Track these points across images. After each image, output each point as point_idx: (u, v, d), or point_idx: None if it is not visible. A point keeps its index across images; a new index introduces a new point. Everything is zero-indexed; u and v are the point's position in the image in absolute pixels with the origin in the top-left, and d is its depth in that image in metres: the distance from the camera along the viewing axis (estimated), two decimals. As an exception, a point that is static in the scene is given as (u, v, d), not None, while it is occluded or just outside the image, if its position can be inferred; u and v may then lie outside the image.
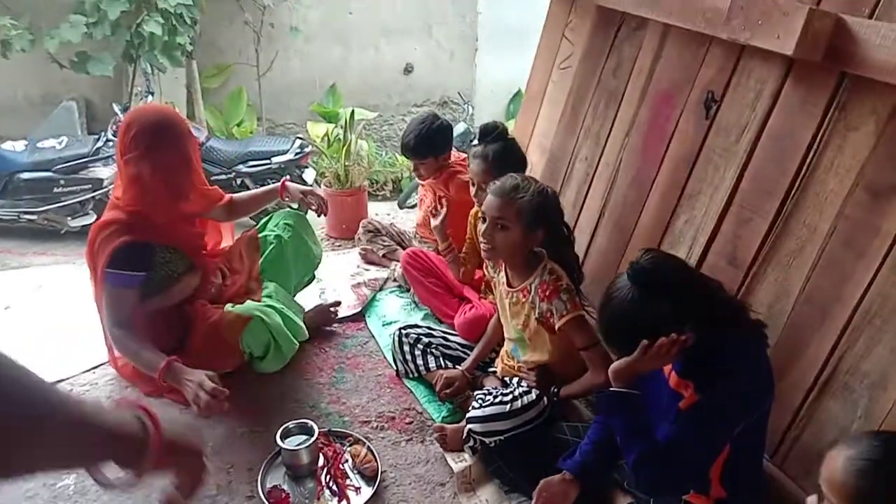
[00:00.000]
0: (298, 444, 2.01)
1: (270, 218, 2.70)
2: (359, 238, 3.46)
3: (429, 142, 2.86)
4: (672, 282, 1.53)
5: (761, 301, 2.05)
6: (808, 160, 1.93)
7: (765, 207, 2.04)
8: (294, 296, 2.68)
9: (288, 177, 2.67)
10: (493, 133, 2.54)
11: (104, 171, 5.18)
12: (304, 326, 2.51)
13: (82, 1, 4.92)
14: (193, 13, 5.38)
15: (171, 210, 2.23)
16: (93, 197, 5.18)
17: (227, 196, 2.51)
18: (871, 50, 1.70)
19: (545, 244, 2.10)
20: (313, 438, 2.02)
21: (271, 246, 2.59)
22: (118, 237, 2.13)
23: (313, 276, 2.85)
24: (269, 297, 2.48)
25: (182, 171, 2.22)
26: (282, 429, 2.05)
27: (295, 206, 2.93)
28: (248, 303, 2.39)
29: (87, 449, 0.81)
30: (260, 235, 2.63)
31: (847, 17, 1.75)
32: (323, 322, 2.79)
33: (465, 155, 2.87)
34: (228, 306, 2.35)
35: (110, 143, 5.21)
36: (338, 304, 2.87)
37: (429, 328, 2.55)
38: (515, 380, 2.18)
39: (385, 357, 2.63)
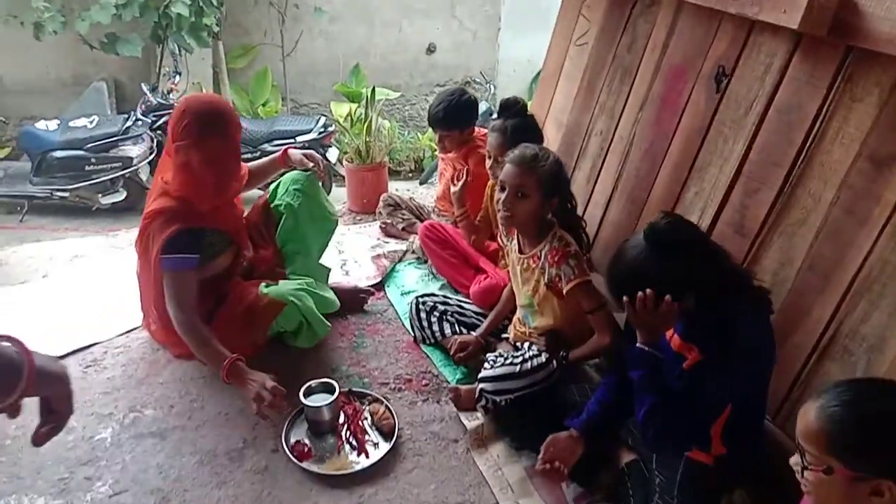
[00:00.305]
0: (320, 402, 2.13)
1: (279, 184, 2.65)
2: (379, 212, 3.57)
3: (456, 114, 2.95)
4: (684, 245, 1.60)
5: (767, 269, 2.11)
6: (813, 131, 1.98)
7: (771, 178, 2.09)
8: (319, 258, 2.69)
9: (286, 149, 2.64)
10: (513, 108, 2.62)
11: (134, 150, 5.35)
12: (334, 299, 2.58)
13: (112, -17, 5.02)
14: (220, -6, 5.49)
15: (216, 198, 2.29)
16: (122, 175, 5.35)
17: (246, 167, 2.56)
18: (875, 23, 1.74)
19: (557, 212, 2.18)
20: (334, 396, 2.13)
21: (283, 216, 2.57)
22: (170, 225, 2.19)
23: (334, 230, 2.79)
24: (295, 273, 2.55)
25: (230, 161, 2.28)
26: (304, 387, 2.17)
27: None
28: (282, 284, 2.42)
29: None
30: (272, 206, 2.62)
31: (852, -9, 1.79)
32: (352, 305, 2.82)
33: (486, 131, 2.95)
34: (262, 287, 2.40)
35: (139, 123, 5.36)
36: (371, 293, 2.92)
37: (445, 297, 2.65)
38: (527, 344, 2.27)
39: (403, 324, 2.73)
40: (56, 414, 1.10)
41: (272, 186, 2.68)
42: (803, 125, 2.00)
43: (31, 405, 1.05)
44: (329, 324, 2.50)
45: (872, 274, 1.81)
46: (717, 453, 1.74)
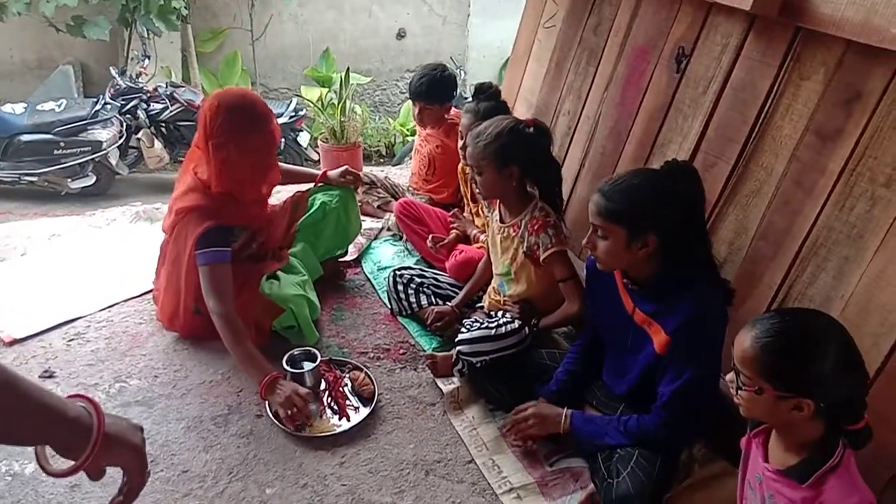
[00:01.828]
0: (303, 370, 2.22)
1: (322, 186, 2.82)
2: (355, 191, 3.64)
3: (437, 87, 3.07)
4: (690, 198, 1.75)
5: (723, 238, 2.25)
6: (765, 108, 2.12)
7: (727, 153, 2.23)
8: (321, 260, 2.81)
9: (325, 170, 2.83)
10: (486, 91, 2.75)
11: (103, 134, 5.31)
12: (318, 304, 2.63)
13: (80, -36, 4.98)
14: (189, -24, 5.46)
15: (256, 190, 2.37)
16: (92, 159, 5.32)
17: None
18: (820, 5, 1.87)
19: (535, 182, 2.29)
20: (316, 363, 2.23)
21: (314, 209, 2.73)
22: (203, 222, 2.23)
23: (345, 251, 2.99)
24: (294, 256, 2.66)
25: (268, 153, 2.33)
26: (287, 355, 2.25)
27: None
28: (283, 285, 2.49)
29: (39, 425, 0.88)
30: (308, 197, 2.79)
31: (800, -25, 1.92)
32: (332, 276, 2.93)
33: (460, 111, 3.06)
34: (264, 283, 2.46)
35: (108, 107, 5.34)
36: (349, 266, 3.04)
37: (421, 270, 2.75)
38: (500, 312, 2.38)
39: (380, 297, 2.83)
40: (128, 485, 1.00)
41: (315, 188, 2.83)
42: (756, 102, 2.14)
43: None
44: (318, 334, 2.57)
45: (819, 240, 1.95)
46: None
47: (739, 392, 1.35)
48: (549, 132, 2.31)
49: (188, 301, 2.39)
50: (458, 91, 5.69)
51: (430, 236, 2.86)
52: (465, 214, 3.05)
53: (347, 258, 3.07)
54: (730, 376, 1.38)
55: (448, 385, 2.29)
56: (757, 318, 1.37)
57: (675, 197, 1.72)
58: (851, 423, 1.33)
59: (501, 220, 2.38)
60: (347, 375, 2.33)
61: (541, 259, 2.23)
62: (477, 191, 2.33)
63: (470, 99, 2.82)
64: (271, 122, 2.27)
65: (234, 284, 2.30)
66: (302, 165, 5.37)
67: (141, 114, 5.41)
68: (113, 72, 5.41)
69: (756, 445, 1.48)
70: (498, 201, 2.39)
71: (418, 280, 2.68)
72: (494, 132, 2.21)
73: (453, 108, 3.25)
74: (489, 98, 2.72)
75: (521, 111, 3.35)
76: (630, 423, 1.84)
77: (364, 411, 2.20)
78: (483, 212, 2.62)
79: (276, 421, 2.13)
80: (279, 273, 2.55)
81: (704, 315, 1.73)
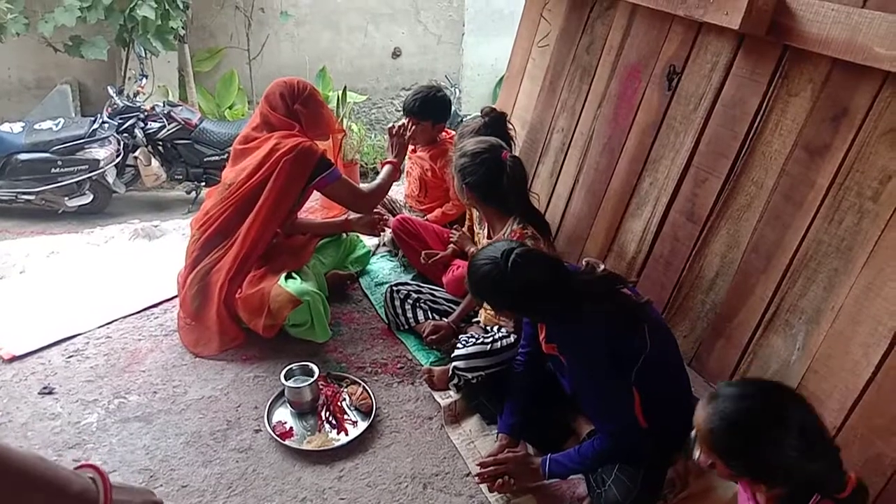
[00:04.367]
0: (301, 384, 2.23)
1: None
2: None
3: (430, 105, 3.11)
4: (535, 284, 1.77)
5: (716, 252, 2.29)
6: (755, 124, 2.17)
7: (718, 168, 2.28)
8: (326, 273, 2.92)
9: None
10: (494, 114, 2.82)
11: (100, 153, 5.33)
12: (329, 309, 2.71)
13: (78, -15, 5.02)
14: (186, -3, 5.52)
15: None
16: (89, 177, 5.33)
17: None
18: (807, 25, 1.93)
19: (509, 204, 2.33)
20: (314, 378, 2.24)
21: (359, 244, 3.15)
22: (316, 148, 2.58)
23: (347, 270, 3.11)
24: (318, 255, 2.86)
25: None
26: (285, 370, 2.27)
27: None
28: (301, 284, 2.56)
29: (43, 498, 0.83)
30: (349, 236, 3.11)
31: (787, -4, 1.97)
32: (337, 289, 2.99)
33: (453, 133, 3.10)
34: (282, 280, 2.54)
35: (106, 125, 5.36)
36: (354, 278, 3.10)
37: (418, 285, 2.77)
38: (496, 327, 2.40)
39: (378, 313, 2.85)
40: None
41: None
42: (746, 118, 2.19)
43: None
44: (330, 332, 2.64)
45: (809, 253, 2.00)
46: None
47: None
48: (521, 170, 2.34)
49: (270, 230, 2.59)
50: (454, 109, 5.80)
51: (423, 252, 2.89)
52: (464, 230, 3.08)
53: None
54: (696, 452, 1.39)
55: (445, 399, 2.30)
56: (718, 391, 1.37)
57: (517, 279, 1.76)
58: (834, 494, 1.28)
59: (489, 236, 2.41)
60: (345, 390, 2.35)
61: None
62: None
63: (467, 115, 2.89)
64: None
65: (257, 273, 2.58)
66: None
67: (138, 132, 5.43)
68: (110, 91, 5.44)
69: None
70: (485, 218, 2.45)
71: (415, 295, 2.70)
72: (465, 149, 2.32)
73: (447, 131, 3.30)
74: (493, 122, 2.77)
75: (516, 129, 3.40)
76: (586, 452, 1.86)
77: (362, 425, 2.22)
78: (476, 227, 2.66)
79: (274, 436, 2.14)
80: (295, 274, 2.63)
81: (566, 331, 1.82)
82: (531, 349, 2.08)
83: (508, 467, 1.94)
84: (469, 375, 2.20)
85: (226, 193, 2.59)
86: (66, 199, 5.33)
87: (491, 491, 1.96)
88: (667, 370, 1.84)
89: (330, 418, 2.24)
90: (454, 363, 2.22)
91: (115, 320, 2.71)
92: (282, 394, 2.29)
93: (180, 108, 5.57)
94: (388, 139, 2.95)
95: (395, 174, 2.90)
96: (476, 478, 1.99)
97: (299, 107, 2.63)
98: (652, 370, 1.73)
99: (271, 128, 2.62)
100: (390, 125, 3.02)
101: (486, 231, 2.45)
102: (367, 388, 2.34)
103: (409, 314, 2.66)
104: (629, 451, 1.81)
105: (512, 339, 2.27)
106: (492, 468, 1.94)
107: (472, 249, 2.94)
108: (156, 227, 3.56)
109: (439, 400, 2.31)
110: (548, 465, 1.91)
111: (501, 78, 6.73)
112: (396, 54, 6.99)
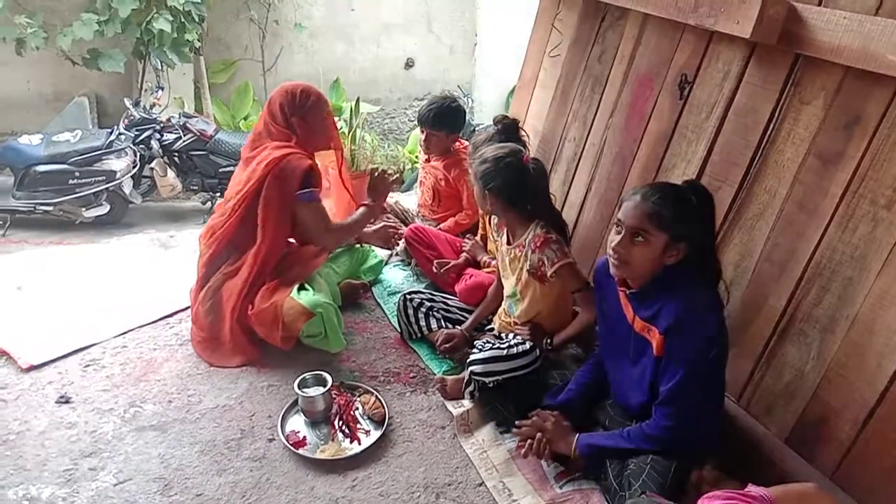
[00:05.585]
0: (314, 393, 2.24)
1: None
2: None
3: (445, 115, 3.14)
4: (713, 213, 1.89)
5: (729, 261, 2.27)
6: (768, 132, 2.16)
7: (731, 176, 2.27)
8: (339, 283, 2.95)
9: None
10: (506, 121, 2.82)
11: (117, 164, 5.40)
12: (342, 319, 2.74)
13: (94, -1, 5.10)
14: (201, 10, 5.58)
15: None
16: (106, 188, 5.40)
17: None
18: (818, 34, 1.92)
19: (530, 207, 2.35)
20: (327, 387, 2.26)
21: (371, 254, 3.20)
22: (304, 161, 2.56)
23: (360, 279, 3.14)
24: (330, 263, 2.90)
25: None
26: (298, 379, 2.29)
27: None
28: (313, 296, 2.57)
29: None
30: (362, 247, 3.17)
31: (798, 5, 1.97)
32: (350, 298, 3.01)
33: (467, 143, 3.12)
34: (294, 292, 2.55)
35: (122, 137, 5.43)
36: (367, 287, 3.12)
37: (431, 294, 2.78)
38: (510, 335, 2.41)
39: (390, 322, 2.86)
40: None
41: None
42: (758, 127, 2.18)
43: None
44: (344, 342, 2.64)
45: (822, 261, 1.98)
46: None
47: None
48: (543, 171, 2.39)
49: (279, 245, 2.64)
50: (468, 119, 5.82)
51: (436, 261, 2.91)
52: (477, 239, 3.09)
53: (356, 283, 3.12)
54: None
55: (458, 408, 2.31)
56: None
57: (707, 209, 1.85)
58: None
59: (508, 242, 2.42)
60: (358, 399, 2.36)
61: (549, 274, 2.27)
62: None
63: (480, 124, 2.90)
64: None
65: (269, 286, 2.60)
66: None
67: (154, 144, 5.50)
68: (127, 103, 5.51)
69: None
70: (504, 225, 2.44)
71: (428, 304, 2.71)
72: (485, 155, 2.32)
73: (461, 141, 3.31)
74: (506, 129, 2.78)
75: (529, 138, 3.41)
76: (633, 430, 1.89)
77: (375, 434, 2.23)
78: (493, 235, 2.66)
79: (288, 445, 2.15)
80: (307, 286, 2.64)
81: (693, 314, 1.78)
82: (598, 359, 2.17)
83: (547, 427, 2.01)
84: (486, 380, 2.21)
85: (226, 209, 2.61)
86: (84, 209, 5.40)
87: (524, 456, 2.03)
88: (723, 371, 1.88)
89: (343, 427, 2.25)
90: (471, 367, 2.23)
91: (131, 330, 2.74)
92: (295, 403, 2.31)
93: (196, 119, 5.63)
94: (369, 181, 2.92)
95: (369, 217, 2.90)
96: (513, 431, 2.11)
97: (296, 119, 2.61)
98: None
99: (271, 136, 2.64)
100: (371, 167, 3.03)
101: (504, 238, 2.46)
102: (379, 397, 2.35)
103: (422, 322, 2.67)
104: (681, 442, 1.82)
105: (527, 345, 2.28)
106: (530, 426, 2.04)
107: (484, 258, 2.95)
108: (172, 237, 3.61)
109: (452, 409, 2.31)
110: (578, 438, 1.98)
111: (514, 88, 6.76)
112: (409, 65, 7.03)
